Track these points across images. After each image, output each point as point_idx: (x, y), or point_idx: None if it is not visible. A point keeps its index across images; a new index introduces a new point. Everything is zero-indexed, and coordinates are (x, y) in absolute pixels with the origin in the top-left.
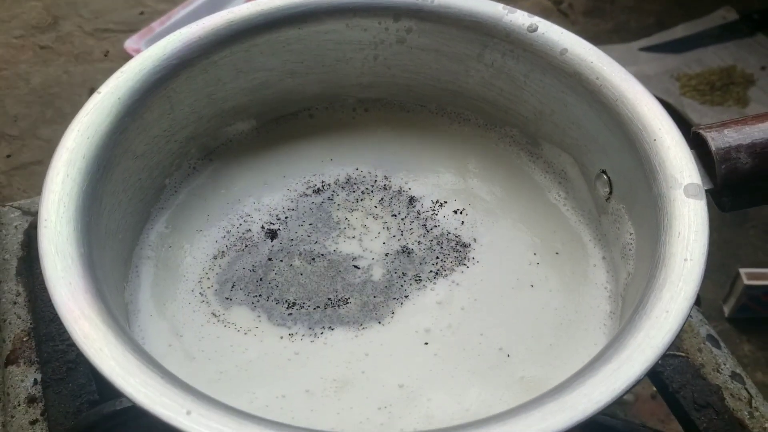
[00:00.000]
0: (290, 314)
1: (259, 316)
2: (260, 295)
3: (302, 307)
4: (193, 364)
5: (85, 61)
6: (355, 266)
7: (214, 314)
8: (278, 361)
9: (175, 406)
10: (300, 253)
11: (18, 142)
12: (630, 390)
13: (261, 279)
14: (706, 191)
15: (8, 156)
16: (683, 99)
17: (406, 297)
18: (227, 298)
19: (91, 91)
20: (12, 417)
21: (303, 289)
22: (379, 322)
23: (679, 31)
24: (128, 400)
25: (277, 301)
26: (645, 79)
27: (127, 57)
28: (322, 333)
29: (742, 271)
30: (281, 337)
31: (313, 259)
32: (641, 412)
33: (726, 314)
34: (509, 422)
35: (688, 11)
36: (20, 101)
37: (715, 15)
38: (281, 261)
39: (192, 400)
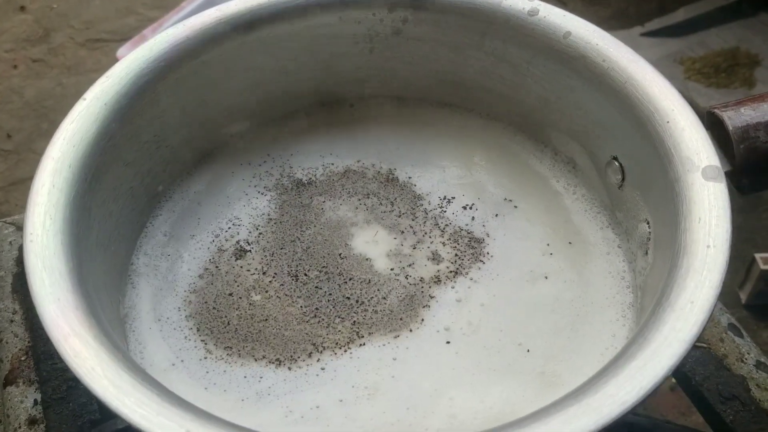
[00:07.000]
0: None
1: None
2: (232, 348)
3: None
4: (207, 395)
5: (78, 73)
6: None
7: (207, 349)
8: (306, 378)
9: (174, 426)
10: (284, 273)
11: (14, 157)
12: (658, 388)
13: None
14: (725, 173)
15: None
16: (688, 83)
17: (431, 297)
18: (203, 341)
19: None
20: None
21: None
22: (410, 330)
23: (680, 15)
24: None
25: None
26: None
27: None
28: (347, 350)
29: (758, 256)
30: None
31: (297, 277)
32: (661, 405)
33: (743, 301)
34: (530, 427)
35: None
36: (14, 116)
37: None
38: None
39: (191, 419)
